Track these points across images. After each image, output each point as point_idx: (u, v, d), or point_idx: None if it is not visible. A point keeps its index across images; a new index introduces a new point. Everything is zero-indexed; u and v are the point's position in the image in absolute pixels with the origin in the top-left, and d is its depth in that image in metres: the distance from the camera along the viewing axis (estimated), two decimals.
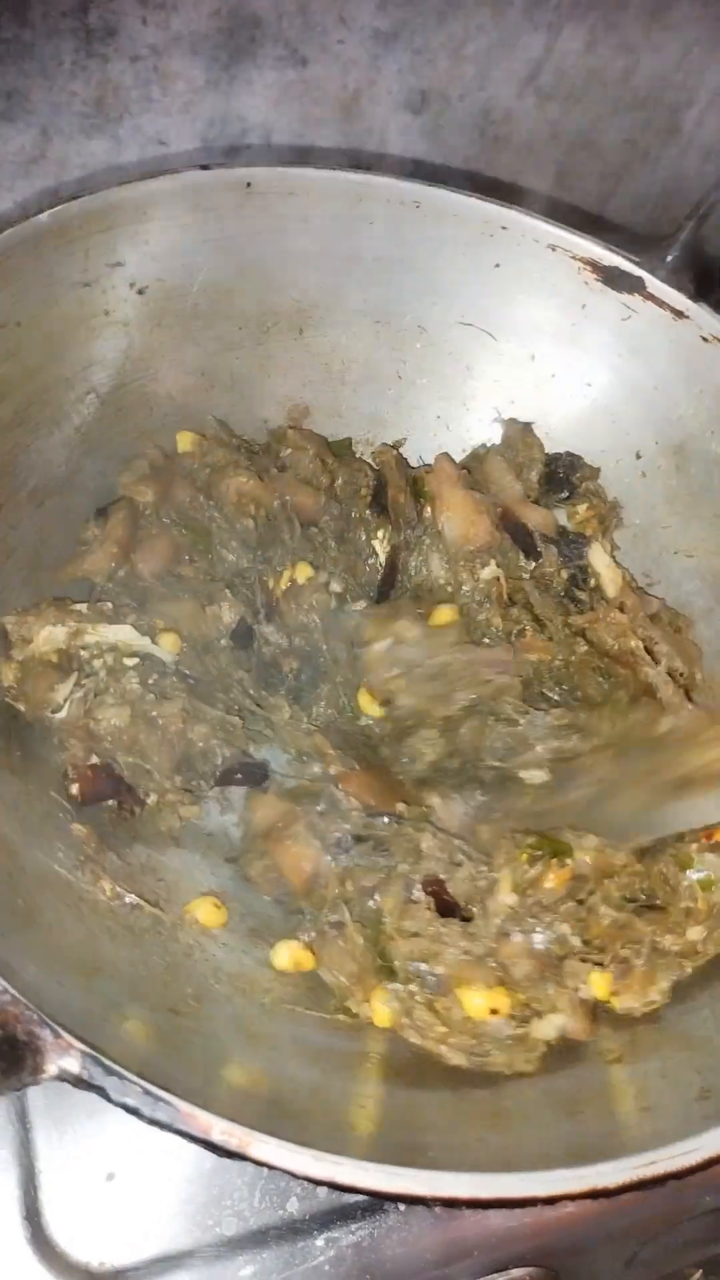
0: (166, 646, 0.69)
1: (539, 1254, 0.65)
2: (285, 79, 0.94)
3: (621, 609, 0.77)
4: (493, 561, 0.77)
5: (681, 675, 0.76)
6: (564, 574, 0.79)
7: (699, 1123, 0.48)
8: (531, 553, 0.78)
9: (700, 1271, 0.81)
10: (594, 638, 0.77)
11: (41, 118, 0.90)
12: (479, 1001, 0.59)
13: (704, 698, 0.77)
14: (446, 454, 0.82)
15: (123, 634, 0.67)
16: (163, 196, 0.69)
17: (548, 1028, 0.60)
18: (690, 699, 0.75)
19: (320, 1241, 0.61)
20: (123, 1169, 0.61)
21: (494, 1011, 0.59)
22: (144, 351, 0.74)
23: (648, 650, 0.76)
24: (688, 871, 0.66)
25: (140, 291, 0.71)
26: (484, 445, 0.85)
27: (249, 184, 0.71)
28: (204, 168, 0.70)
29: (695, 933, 0.64)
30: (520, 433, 0.83)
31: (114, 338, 0.72)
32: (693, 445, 0.78)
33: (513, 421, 0.84)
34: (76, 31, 0.85)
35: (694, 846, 0.66)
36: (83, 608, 0.67)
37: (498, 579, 0.76)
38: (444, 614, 0.75)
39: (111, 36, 0.86)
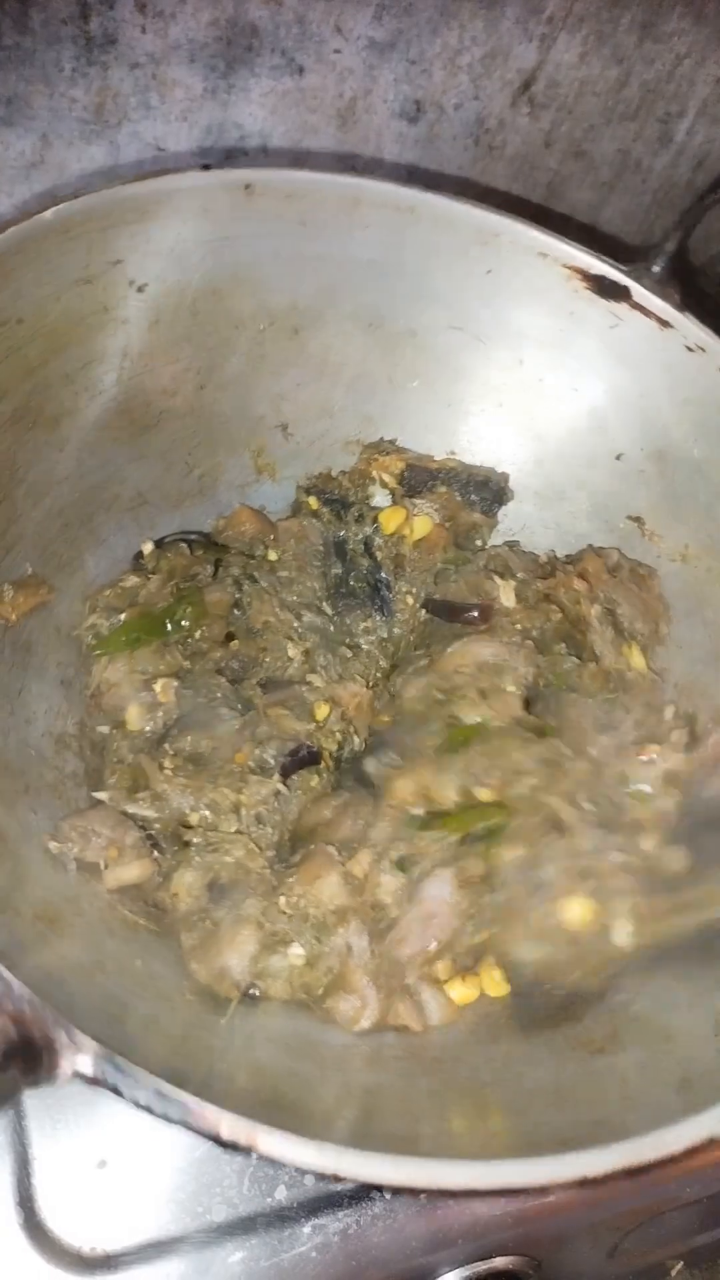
0: None
1: (522, 1243, 0.66)
2: (282, 87, 0.94)
3: (583, 576, 0.79)
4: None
5: (641, 635, 0.78)
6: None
7: (680, 1112, 0.49)
8: None
9: (681, 1263, 0.82)
10: (559, 602, 0.79)
11: (42, 123, 0.91)
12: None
13: (667, 652, 0.79)
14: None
15: None
16: (163, 196, 0.69)
17: None
18: (648, 661, 0.78)
19: (307, 1229, 0.62)
20: (115, 1157, 0.62)
21: None
22: (143, 349, 0.74)
23: (610, 613, 0.78)
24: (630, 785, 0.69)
25: (140, 289, 0.72)
26: None
27: (248, 185, 0.71)
28: (205, 168, 0.71)
29: (648, 843, 0.67)
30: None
31: (113, 335, 0.72)
32: (675, 452, 0.79)
33: None
34: (77, 39, 0.85)
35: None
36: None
37: None
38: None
39: (111, 44, 0.87)
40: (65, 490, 0.73)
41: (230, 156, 0.98)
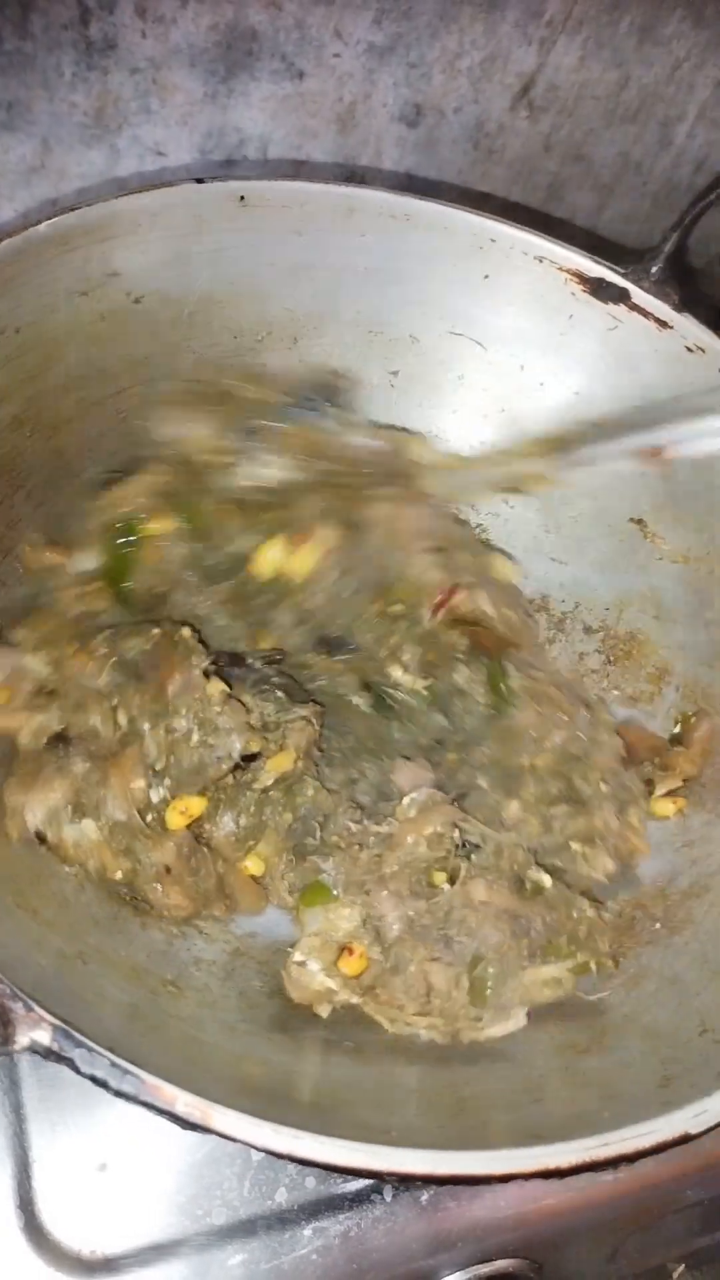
0: None
1: (523, 1246, 0.66)
2: (282, 91, 0.95)
3: None
4: None
5: None
6: None
7: (658, 1109, 0.49)
8: None
9: (683, 1266, 0.82)
10: None
11: (42, 128, 0.91)
12: None
13: (669, 654, 0.81)
14: None
15: None
16: (159, 209, 0.69)
17: None
18: None
19: (308, 1231, 0.62)
20: (115, 1160, 0.62)
21: None
22: (141, 359, 0.75)
23: None
24: None
25: (137, 301, 0.72)
26: None
27: (242, 197, 0.72)
28: (199, 181, 0.71)
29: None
30: None
31: (111, 346, 0.73)
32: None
33: None
34: (77, 44, 0.86)
35: None
36: None
37: None
38: None
39: (111, 49, 0.87)
40: (65, 496, 0.73)
41: (230, 161, 0.99)
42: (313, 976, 0.62)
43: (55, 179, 0.95)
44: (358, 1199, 0.63)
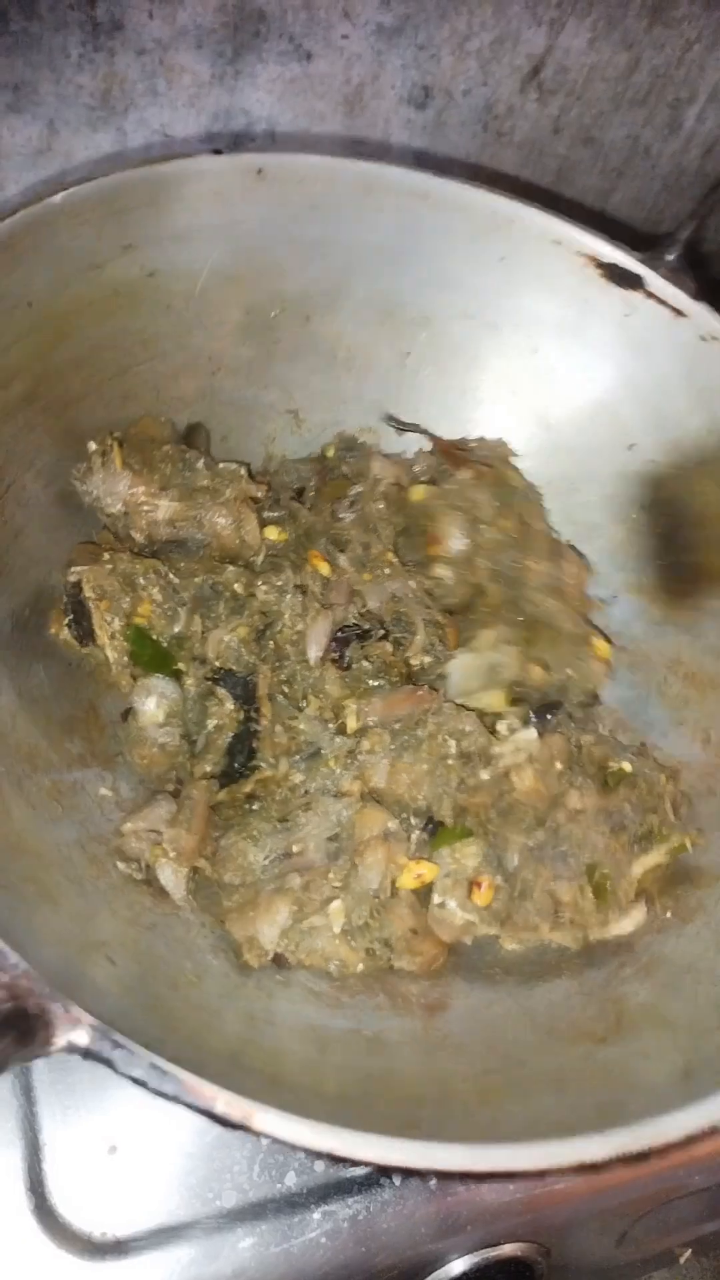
0: None
1: (531, 1230, 0.66)
2: (290, 73, 0.94)
3: None
4: None
5: None
6: None
7: (681, 1100, 0.49)
8: None
9: (690, 1250, 0.82)
10: None
11: (48, 110, 0.90)
12: None
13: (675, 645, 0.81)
14: None
15: None
16: (174, 180, 0.69)
17: None
18: None
19: (317, 1215, 0.62)
20: (125, 1142, 0.62)
21: None
22: (152, 334, 0.74)
23: None
24: None
25: (151, 275, 0.72)
26: None
27: (260, 170, 0.71)
28: (216, 152, 0.70)
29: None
30: None
31: (123, 320, 0.72)
32: (689, 442, 0.78)
33: None
34: (83, 25, 0.85)
35: None
36: None
37: None
38: None
39: (118, 30, 0.87)
40: None
41: (238, 143, 0.98)
42: (453, 914, 0.66)
43: (62, 161, 0.95)
44: (366, 1183, 0.63)
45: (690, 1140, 0.47)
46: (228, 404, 0.82)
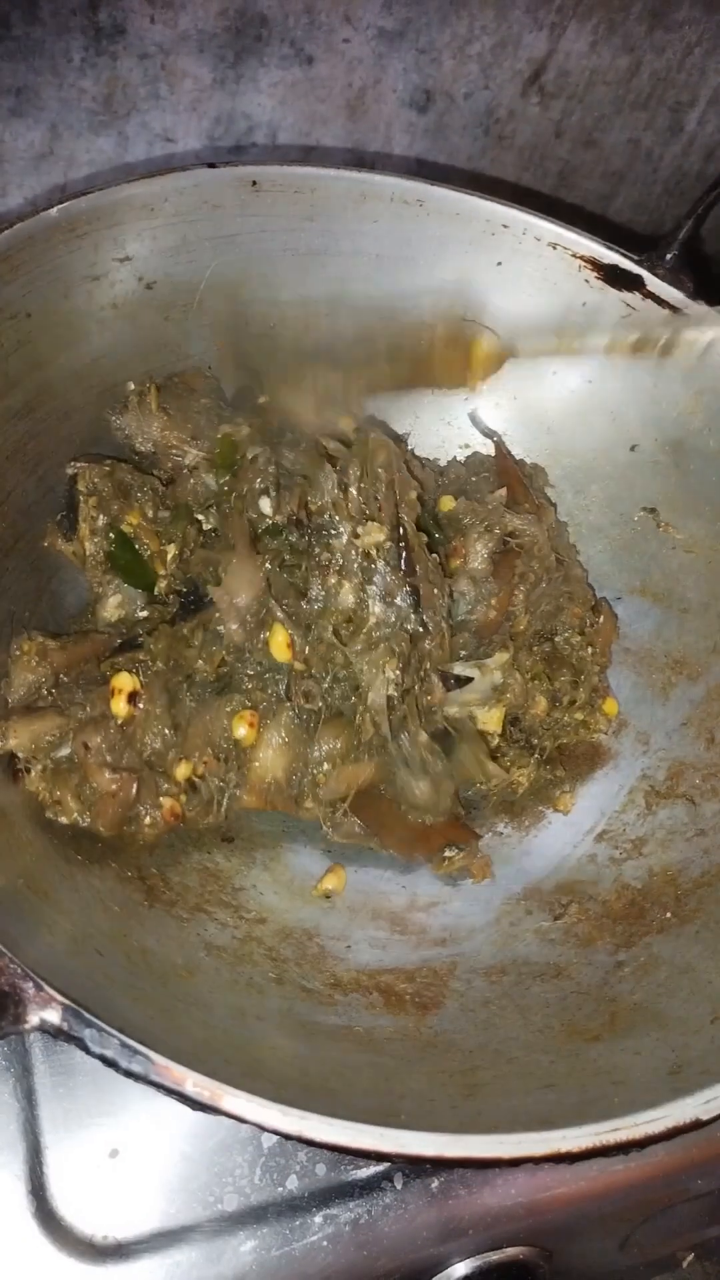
0: None
1: (534, 1234, 0.66)
2: (291, 77, 0.94)
3: None
4: None
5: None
6: None
7: (668, 1095, 0.49)
8: None
9: (693, 1255, 0.82)
10: None
11: (51, 114, 0.91)
12: None
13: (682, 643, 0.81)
14: None
15: None
16: (170, 193, 0.69)
17: None
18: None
19: (319, 1219, 0.62)
20: (126, 1146, 0.62)
21: None
22: (151, 345, 0.75)
23: None
24: None
25: (148, 286, 0.72)
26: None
27: (254, 182, 0.72)
28: (210, 165, 0.71)
29: None
30: None
31: (122, 331, 0.73)
32: (691, 442, 0.78)
33: None
34: (86, 29, 0.85)
35: None
36: None
37: None
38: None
39: (120, 34, 0.87)
40: None
41: (239, 147, 0.98)
42: None
43: (64, 166, 0.95)
44: (369, 1186, 0.63)
45: (672, 1133, 0.48)
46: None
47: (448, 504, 0.80)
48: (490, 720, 0.74)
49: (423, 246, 0.78)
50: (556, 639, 0.79)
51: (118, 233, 0.69)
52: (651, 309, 0.77)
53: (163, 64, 0.90)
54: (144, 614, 0.70)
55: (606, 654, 0.80)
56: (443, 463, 0.87)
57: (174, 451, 0.74)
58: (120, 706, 0.64)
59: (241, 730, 0.67)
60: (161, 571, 0.71)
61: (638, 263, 0.76)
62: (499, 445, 0.84)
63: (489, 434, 0.86)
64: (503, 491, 0.79)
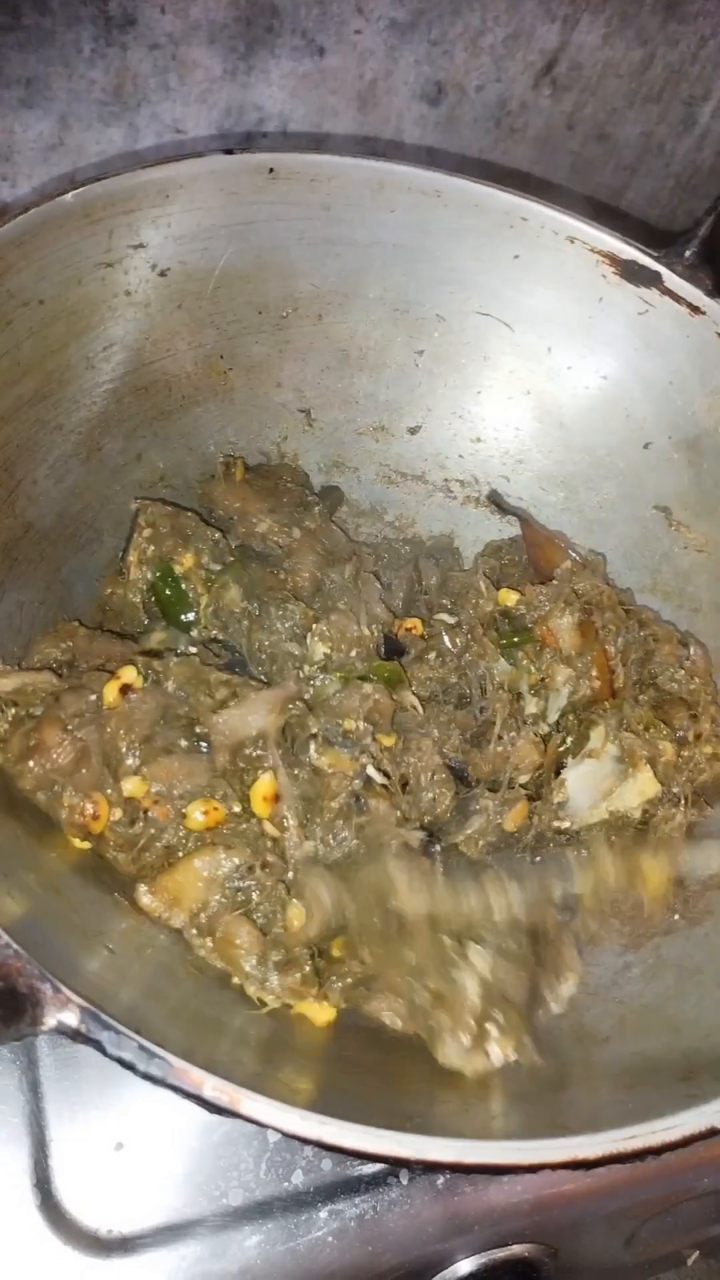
0: None
1: (539, 1231, 0.66)
2: (302, 68, 0.94)
3: None
4: None
5: None
6: None
7: (681, 1101, 0.49)
8: None
9: (697, 1252, 0.82)
10: None
11: (61, 105, 0.90)
12: None
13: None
14: None
15: None
16: (186, 179, 0.69)
17: None
18: None
19: (324, 1214, 0.62)
20: (132, 1139, 0.62)
21: None
22: (164, 333, 0.74)
23: None
24: None
25: (162, 274, 0.72)
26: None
27: (272, 169, 0.71)
28: (228, 152, 0.70)
29: None
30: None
31: (135, 318, 0.72)
32: (707, 441, 0.78)
33: None
34: (96, 20, 0.85)
35: None
36: None
37: None
38: None
39: (130, 25, 0.87)
40: (86, 470, 0.73)
41: (250, 139, 0.98)
42: None
43: (74, 156, 0.95)
44: (374, 1182, 0.63)
45: (687, 1140, 0.47)
46: (239, 402, 0.81)
47: (509, 597, 0.78)
48: (633, 795, 0.70)
49: (440, 237, 0.77)
50: (659, 680, 0.77)
51: (132, 219, 0.68)
52: (668, 306, 0.76)
53: (173, 55, 0.90)
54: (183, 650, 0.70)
55: (711, 682, 0.77)
56: (458, 455, 0.87)
57: (252, 519, 0.76)
58: (112, 693, 0.62)
59: (197, 815, 0.61)
60: (199, 615, 0.71)
61: (656, 259, 0.76)
62: (523, 520, 0.84)
63: (514, 512, 0.86)
64: (568, 564, 0.78)
